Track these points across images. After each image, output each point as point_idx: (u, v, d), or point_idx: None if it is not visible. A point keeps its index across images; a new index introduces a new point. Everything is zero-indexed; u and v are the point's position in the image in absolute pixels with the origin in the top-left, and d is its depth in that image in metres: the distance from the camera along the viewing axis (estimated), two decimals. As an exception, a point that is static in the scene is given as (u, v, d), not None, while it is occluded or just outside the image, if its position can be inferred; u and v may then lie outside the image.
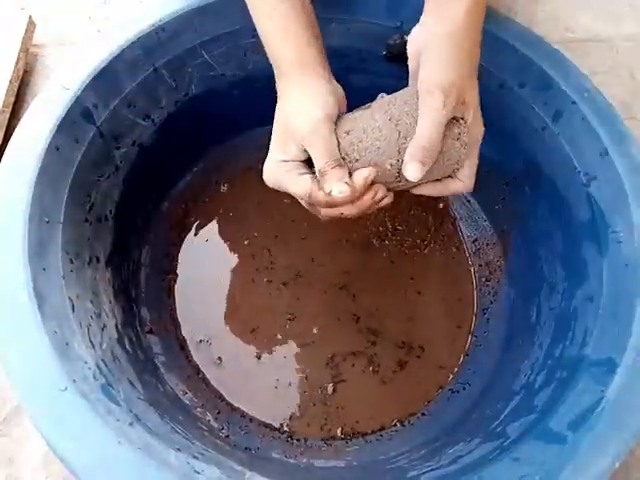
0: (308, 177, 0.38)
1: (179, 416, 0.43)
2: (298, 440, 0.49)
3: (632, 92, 0.68)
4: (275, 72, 0.41)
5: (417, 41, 0.39)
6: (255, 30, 0.42)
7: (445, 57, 0.36)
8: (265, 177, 0.40)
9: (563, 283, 0.46)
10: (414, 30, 0.40)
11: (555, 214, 0.47)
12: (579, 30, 0.72)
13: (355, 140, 0.37)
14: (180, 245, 0.57)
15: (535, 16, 0.72)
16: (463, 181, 0.40)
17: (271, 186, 0.40)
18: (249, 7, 0.42)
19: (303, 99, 0.38)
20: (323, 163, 0.36)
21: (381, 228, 0.58)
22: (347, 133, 0.38)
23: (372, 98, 0.56)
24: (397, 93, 0.40)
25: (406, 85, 0.53)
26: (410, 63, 0.40)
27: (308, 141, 0.37)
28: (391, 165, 0.37)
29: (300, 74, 0.39)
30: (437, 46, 0.37)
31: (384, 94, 0.42)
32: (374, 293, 0.55)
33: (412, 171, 0.36)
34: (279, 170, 0.39)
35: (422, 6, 0.46)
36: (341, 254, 0.57)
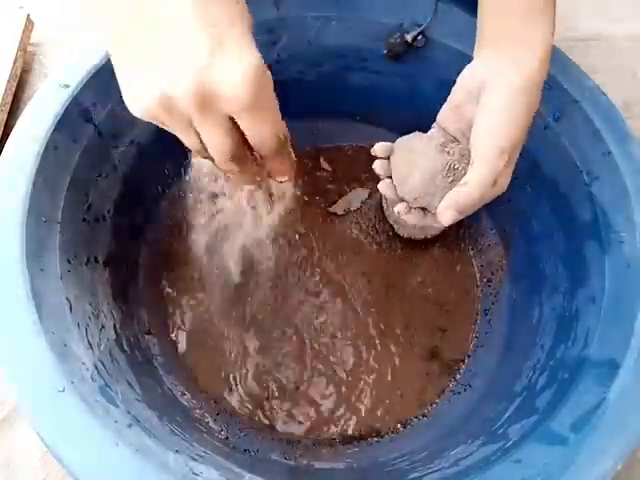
0: None
1: (178, 417, 0.43)
2: (298, 442, 0.49)
3: (633, 91, 0.67)
4: None
5: (478, 77, 0.36)
6: (254, 28, 0.41)
7: (517, 114, 0.35)
8: None
9: (565, 283, 0.46)
10: (473, 64, 0.38)
11: (557, 214, 0.47)
12: (580, 29, 0.72)
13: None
14: (179, 245, 0.56)
15: (536, 15, 0.72)
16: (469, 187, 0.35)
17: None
18: None
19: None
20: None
21: (382, 230, 0.58)
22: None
23: (372, 97, 0.56)
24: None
25: (407, 85, 0.53)
26: (456, 93, 0.38)
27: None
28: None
29: None
30: (509, 99, 0.35)
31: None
32: (374, 295, 0.55)
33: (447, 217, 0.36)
34: None
35: (422, 3, 0.46)
36: (340, 255, 0.57)
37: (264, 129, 0.26)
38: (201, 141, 0.27)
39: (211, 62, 0.23)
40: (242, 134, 0.27)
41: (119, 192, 0.49)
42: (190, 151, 0.30)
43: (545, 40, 0.35)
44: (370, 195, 0.60)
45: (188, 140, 0.27)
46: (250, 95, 0.24)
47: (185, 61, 0.24)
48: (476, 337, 0.54)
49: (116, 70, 0.27)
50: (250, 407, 0.50)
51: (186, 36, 0.23)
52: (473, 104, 0.37)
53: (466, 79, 0.38)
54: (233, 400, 0.50)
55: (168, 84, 0.24)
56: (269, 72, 0.25)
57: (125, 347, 0.44)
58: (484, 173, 0.35)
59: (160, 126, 0.27)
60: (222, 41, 0.23)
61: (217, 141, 0.26)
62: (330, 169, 0.61)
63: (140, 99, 0.25)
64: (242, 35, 0.24)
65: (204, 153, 0.28)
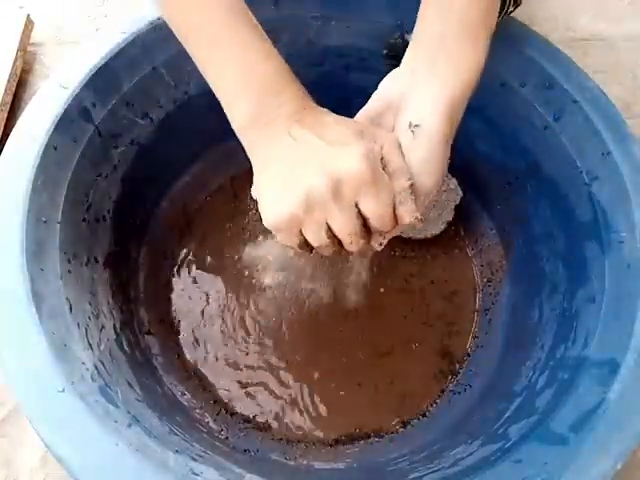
0: None
1: (178, 417, 0.43)
2: (298, 442, 0.48)
3: (633, 91, 0.67)
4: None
5: (400, 88, 0.35)
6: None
7: (438, 150, 0.33)
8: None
9: (565, 283, 0.46)
10: (398, 72, 0.36)
11: (557, 214, 0.47)
12: (579, 29, 0.72)
13: None
14: (179, 245, 0.56)
15: (535, 15, 0.72)
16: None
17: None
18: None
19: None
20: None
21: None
22: None
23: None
24: None
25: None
26: (375, 102, 0.36)
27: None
28: None
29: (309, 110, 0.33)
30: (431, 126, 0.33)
31: None
32: (372, 295, 0.55)
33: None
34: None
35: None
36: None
37: (381, 204, 0.31)
38: (329, 236, 0.32)
39: (331, 159, 0.30)
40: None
41: (119, 192, 0.49)
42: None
43: (477, 63, 0.34)
44: (370, 195, 0.59)
45: (317, 236, 0.32)
46: (367, 171, 0.30)
47: (312, 167, 0.30)
48: (476, 337, 0.54)
49: (260, 195, 0.34)
50: (250, 407, 0.50)
51: (306, 149, 0.31)
52: (393, 115, 0.35)
53: (387, 89, 0.36)
54: (233, 400, 0.50)
55: (305, 188, 0.30)
56: (376, 155, 0.31)
57: (125, 347, 0.44)
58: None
59: (289, 242, 0.33)
60: (332, 142, 0.31)
61: (348, 223, 0.31)
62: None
63: (284, 208, 0.31)
64: (346, 132, 0.32)
65: (325, 249, 0.33)
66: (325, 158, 0.30)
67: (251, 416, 0.50)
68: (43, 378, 0.34)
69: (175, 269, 0.55)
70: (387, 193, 0.31)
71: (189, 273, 0.55)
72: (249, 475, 0.36)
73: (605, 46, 0.70)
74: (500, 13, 0.40)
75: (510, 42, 0.47)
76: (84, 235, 0.44)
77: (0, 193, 0.39)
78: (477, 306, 0.55)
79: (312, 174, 0.30)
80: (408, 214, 0.32)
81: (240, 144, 0.61)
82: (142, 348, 0.48)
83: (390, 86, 0.36)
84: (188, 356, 0.52)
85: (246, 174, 0.59)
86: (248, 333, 0.53)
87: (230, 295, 0.54)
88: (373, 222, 0.32)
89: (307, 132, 0.32)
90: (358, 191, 0.30)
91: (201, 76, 0.52)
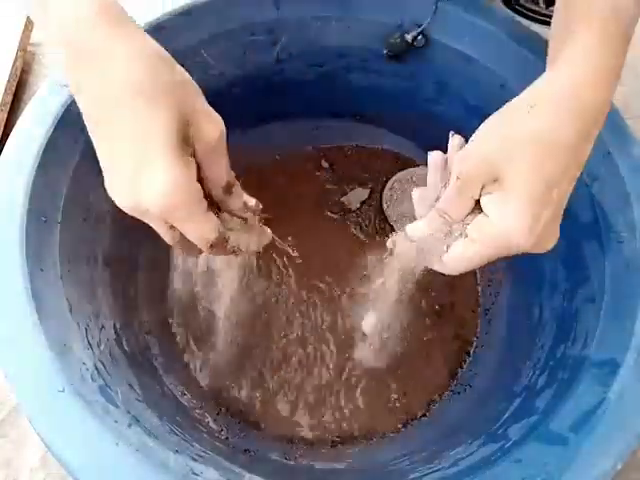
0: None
1: (178, 417, 0.43)
2: (298, 442, 0.49)
3: (634, 92, 0.67)
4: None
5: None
6: (254, 28, 0.41)
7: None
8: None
9: (565, 283, 0.46)
10: None
11: (557, 214, 0.47)
12: (580, 29, 0.72)
13: None
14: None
15: (536, 15, 0.72)
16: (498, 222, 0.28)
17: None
18: None
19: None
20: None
21: (382, 230, 0.58)
22: None
23: (372, 97, 0.56)
24: None
25: (407, 85, 0.53)
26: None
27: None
28: None
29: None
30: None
31: None
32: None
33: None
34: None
35: (422, 3, 0.46)
36: (340, 255, 0.57)
37: (197, 233, 0.28)
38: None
39: (137, 179, 0.27)
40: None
41: (119, 192, 0.49)
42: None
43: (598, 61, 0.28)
44: (370, 195, 0.60)
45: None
46: (172, 208, 0.26)
47: (120, 178, 0.28)
48: (476, 337, 0.54)
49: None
50: (250, 407, 0.50)
51: (119, 151, 0.28)
52: None
53: None
54: (233, 400, 0.50)
55: (115, 197, 0.28)
56: (190, 185, 0.27)
57: (125, 347, 0.44)
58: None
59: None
60: (147, 157, 0.26)
61: (165, 236, 0.29)
62: (330, 169, 0.61)
63: (118, 202, 0.29)
64: (163, 149, 0.26)
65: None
66: (130, 177, 0.27)
67: (251, 416, 0.50)
68: (43, 378, 0.34)
69: (175, 269, 0.55)
70: (207, 222, 0.28)
71: (189, 273, 0.55)
72: (249, 475, 0.36)
73: (605, 46, 0.70)
74: None
75: (510, 42, 0.47)
76: (84, 235, 0.44)
77: (0, 193, 0.39)
78: (477, 306, 0.55)
79: (117, 193, 0.28)
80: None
81: (238, 143, 0.61)
82: (142, 348, 0.48)
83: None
84: (188, 356, 0.52)
85: (245, 174, 0.60)
86: (249, 333, 0.53)
87: (231, 295, 0.54)
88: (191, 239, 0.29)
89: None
90: (168, 218, 0.27)
91: (200, 76, 0.52)
